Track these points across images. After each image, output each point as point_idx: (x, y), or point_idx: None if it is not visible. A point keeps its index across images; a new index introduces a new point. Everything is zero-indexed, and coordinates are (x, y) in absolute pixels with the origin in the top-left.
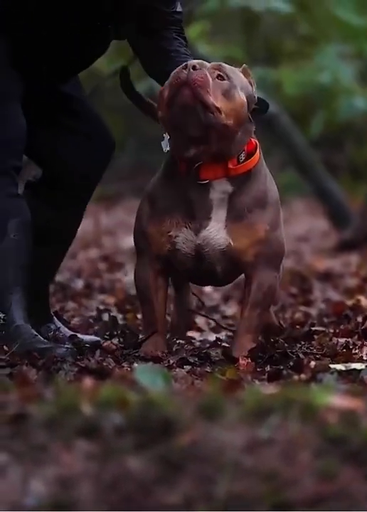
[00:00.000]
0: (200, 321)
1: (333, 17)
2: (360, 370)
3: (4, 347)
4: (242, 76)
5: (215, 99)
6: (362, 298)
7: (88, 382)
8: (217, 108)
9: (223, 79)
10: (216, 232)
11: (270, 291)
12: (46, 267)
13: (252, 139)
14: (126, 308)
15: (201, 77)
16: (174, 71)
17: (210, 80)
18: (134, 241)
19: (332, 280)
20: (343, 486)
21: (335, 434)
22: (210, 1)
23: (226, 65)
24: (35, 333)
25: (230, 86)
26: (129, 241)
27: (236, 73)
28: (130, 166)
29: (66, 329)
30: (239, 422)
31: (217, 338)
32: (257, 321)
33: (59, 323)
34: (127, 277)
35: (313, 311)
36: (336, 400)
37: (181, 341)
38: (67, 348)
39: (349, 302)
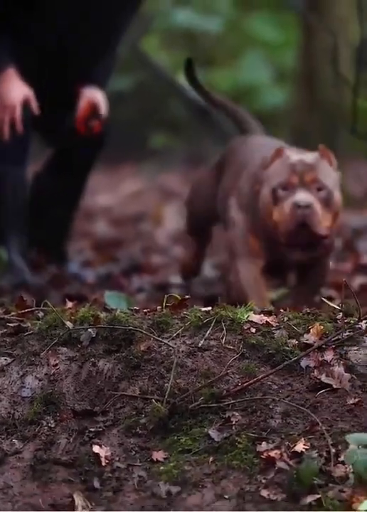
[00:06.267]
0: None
1: (256, 34)
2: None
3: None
4: (328, 166)
5: (323, 221)
6: None
7: (70, 304)
8: (327, 235)
9: (321, 189)
10: None
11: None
12: (61, 223)
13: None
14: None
15: (313, 216)
16: (288, 208)
17: (319, 212)
18: None
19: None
20: (260, 381)
21: (254, 342)
22: (160, 21)
23: (318, 168)
24: (27, 269)
25: (327, 194)
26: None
27: (326, 170)
28: None
29: (74, 267)
30: (183, 333)
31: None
32: None
33: (70, 265)
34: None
35: None
36: (255, 316)
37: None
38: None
39: None
